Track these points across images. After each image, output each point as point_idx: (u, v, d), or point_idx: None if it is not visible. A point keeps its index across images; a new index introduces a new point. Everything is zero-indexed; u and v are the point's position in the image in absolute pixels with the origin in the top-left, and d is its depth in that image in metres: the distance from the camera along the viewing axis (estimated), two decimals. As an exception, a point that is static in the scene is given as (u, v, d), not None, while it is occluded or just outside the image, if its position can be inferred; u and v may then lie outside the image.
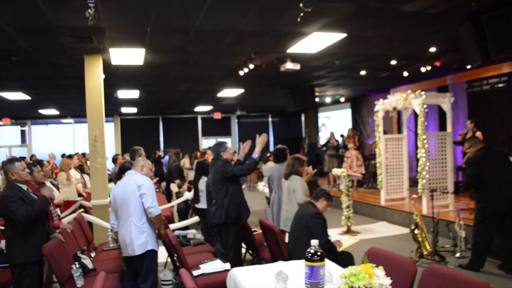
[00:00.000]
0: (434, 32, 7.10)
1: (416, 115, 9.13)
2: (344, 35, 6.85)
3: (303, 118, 21.29)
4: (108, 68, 8.27)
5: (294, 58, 8.24)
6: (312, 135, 19.98)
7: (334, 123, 18.05)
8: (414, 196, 6.51)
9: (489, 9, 5.79)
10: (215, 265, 4.28)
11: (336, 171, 8.02)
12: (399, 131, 14.10)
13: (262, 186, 8.49)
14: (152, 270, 4.18)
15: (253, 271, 3.25)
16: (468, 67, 10.67)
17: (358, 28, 6.55)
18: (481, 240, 5.34)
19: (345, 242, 4.60)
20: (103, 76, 7.68)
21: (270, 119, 21.13)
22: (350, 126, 16.58)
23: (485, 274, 5.34)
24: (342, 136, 14.29)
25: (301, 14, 5.02)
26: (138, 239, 4.07)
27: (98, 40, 6.60)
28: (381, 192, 9.11)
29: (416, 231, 5.82)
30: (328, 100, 16.34)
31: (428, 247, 5.74)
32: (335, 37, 6.94)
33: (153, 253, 4.20)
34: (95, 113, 7.46)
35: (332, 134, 12.78)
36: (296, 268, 3.04)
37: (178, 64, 8.64)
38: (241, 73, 8.79)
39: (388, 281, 2.32)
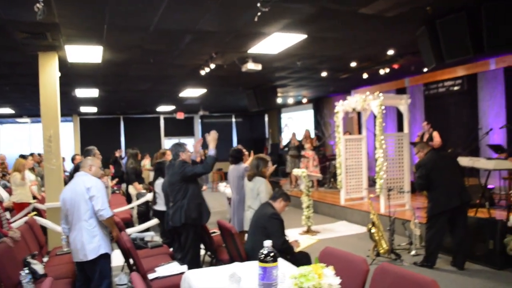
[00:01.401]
0: (392, 35, 7.26)
1: (375, 116, 9.32)
2: (304, 36, 6.90)
3: (266, 119, 21.37)
4: (64, 65, 8.01)
5: (256, 58, 8.24)
6: (276, 136, 20.09)
7: (297, 123, 18.21)
8: (371, 195, 6.63)
9: (443, 14, 5.98)
10: (172, 268, 4.20)
11: (296, 171, 8.07)
12: (360, 132, 14.36)
13: (223, 187, 8.45)
14: (105, 275, 4.06)
15: (207, 273, 3.21)
16: (425, 70, 10.99)
17: (318, 29, 6.61)
18: (432, 237, 5.51)
19: (303, 242, 4.62)
20: (58, 74, 7.43)
21: (233, 120, 21.09)
22: (312, 126, 16.80)
23: (438, 271, 5.50)
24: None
25: (258, 14, 5.01)
26: (90, 243, 3.94)
27: (52, 37, 6.38)
28: (341, 192, 9.24)
29: (373, 230, 5.92)
30: (290, 101, 16.45)
31: (384, 246, 5.86)
32: (295, 38, 6.98)
33: (106, 257, 4.07)
34: (50, 112, 7.20)
35: (293, 134, 12.88)
36: (251, 269, 3.02)
37: (137, 63, 8.48)
38: (203, 72, 8.72)
39: (337, 281, 2.33)
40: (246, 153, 6.28)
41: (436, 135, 9.76)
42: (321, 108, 16.69)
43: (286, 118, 19.35)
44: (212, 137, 4.88)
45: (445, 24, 5.99)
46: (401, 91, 12.35)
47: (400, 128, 12.49)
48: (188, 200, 4.71)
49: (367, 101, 8.27)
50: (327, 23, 6.32)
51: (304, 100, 16.34)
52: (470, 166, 6.84)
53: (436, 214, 5.45)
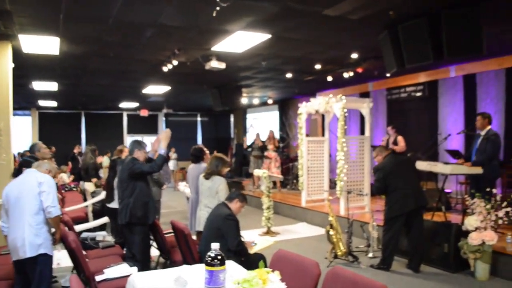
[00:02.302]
0: (356, 38, 7.30)
1: (338, 119, 9.38)
2: (268, 36, 6.84)
3: (232, 119, 21.26)
4: (19, 56, 7.66)
5: (220, 56, 8.13)
6: (241, 136, 20.01)
7: (262, 124, 18.17)
8: (330, 197, 6.62)
9: (405, 19, 6.03)
10: (121, 270, 4.02)
11: (257, 172, 8.00)
12: (323, 134, 14.44)
13: (183, 186, 8.28)
14: (45, 276, 3.83)
15: (154, 276, 3.07)
16: (388, 75, 11.14)
17: (282, 29, 6.57)
18: (389, 240, 5.54)
19: (260, 244, 4.54)
20: (12, 65, 7.09)
21: (199, 118, 20.86)
22: (277, 127, 16.80)
23: (394, 273, 5.53)
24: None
25: (217, 8, 4.92)
26: (31, 240, 3.71)
27: (4, 25, 6.06)
28: (302, 193, 9.22)
29: (331, 232, 5.90)
30: (256, 101, 16.39)
31: (342, 248, 5.84)
32: (259, 37, 6.91)
33: (46, 258, 3.85)
34: (1, 104, 6.85)
35: (257, 135, 12.81)
36: (199, 273, 2.90)
37: (97, 56, 8.19)
38: (165, 69, 8.52)
39: (282, 287, 2.24)
40: (207, 152, 6.15)
41: (401, 139, 9.87)
42: (286, 109, 16.72)
43: (252, 118, 19.29)
44: (165, 135, 4.74)
45: (407, 29, 6.04)
46: (364, 95, 12.49)
47: (363, 131, 12.63)
48: (135, 198, 4.57)
49: (330, 103, 8.28)
50: (292, 23, 6.28)
51: (270, 101, 16.32)
52: (428, 171, 6.94)
53: (392, 217, 5.48)
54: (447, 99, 10.45)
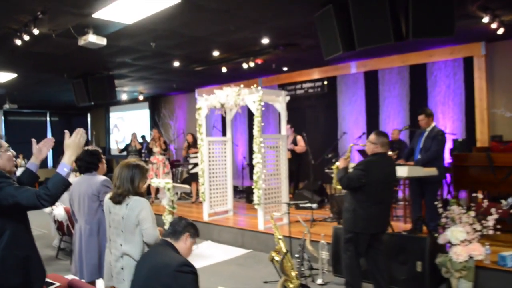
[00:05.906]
0: (280, 16, 6.04)
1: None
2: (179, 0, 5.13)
3: (89, 119, 18.37)
4: None
5: (100, 28, 6.13)
6: (102, 138, 17.35)
7: (130, 124, 15.85)
8: (275, 213, 5.13)
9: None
10: None
11: (157, 182, 6.15)
12: (207, 133, 12.93)
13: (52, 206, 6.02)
14: None
15: None
16: (285, 69, 10.19)
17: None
18: (353, 260, 4.22)
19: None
20: None
21: (48, 118, 17.46)
22: (148, 128, 14.76)
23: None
24: (143, 137, 12.37)
25: None
26: None
27: None
28: (204, 205, 7.58)
29: (277, 258, 4.43)
30: (124, 97, 14.04)
31: (295, 279, 4.42)
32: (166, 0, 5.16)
33: None
34: None
35: (134, 135, 10.72)
36: None
37: None
38: (19, 42, 6.09)
39: None
40: (103, 158, 4.12)
41: (300, 139, 8.98)
42: (159, 107, 14.76)
43: (116, 118, 16.76)
44: (76, 140, 2.68)
45: (361, 3, 4.91)
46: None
47: (251, 130, 11.50)
48: (4, 252, 2.45)
49: (241, 95, 6.82)
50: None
51: (141, 97, 14.15)
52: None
53: (359, 232, 4.15)
54: (347, 96, 9.84)
